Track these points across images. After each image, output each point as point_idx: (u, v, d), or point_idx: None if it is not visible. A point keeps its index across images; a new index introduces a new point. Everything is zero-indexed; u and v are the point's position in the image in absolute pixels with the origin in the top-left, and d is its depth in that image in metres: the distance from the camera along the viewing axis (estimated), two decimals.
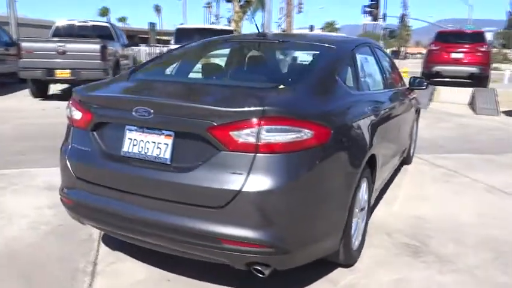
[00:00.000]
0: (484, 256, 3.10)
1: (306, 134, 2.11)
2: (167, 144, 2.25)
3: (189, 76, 3.28)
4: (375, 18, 25.06)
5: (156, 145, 2.28)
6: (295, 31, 27.52)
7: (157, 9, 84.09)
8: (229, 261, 2.22)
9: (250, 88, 2.52)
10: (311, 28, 41.05)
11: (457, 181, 4.92)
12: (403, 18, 32.46)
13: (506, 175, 5.25)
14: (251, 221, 2.09)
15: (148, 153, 2.30)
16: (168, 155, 2.24)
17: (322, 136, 2.18)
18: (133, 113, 2.26)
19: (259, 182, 2.05)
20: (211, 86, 2.80)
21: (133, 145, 2.34)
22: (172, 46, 11.03)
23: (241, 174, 2.06)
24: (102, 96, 2.59)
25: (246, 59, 3.30)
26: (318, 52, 3.03)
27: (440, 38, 13.32)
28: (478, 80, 12.55)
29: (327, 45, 3.05)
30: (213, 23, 49.67)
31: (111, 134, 2.45)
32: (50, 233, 3.25)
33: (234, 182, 2.06)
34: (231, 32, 12.21)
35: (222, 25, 17.52)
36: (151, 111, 2.22)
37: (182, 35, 11.30)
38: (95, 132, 2.49)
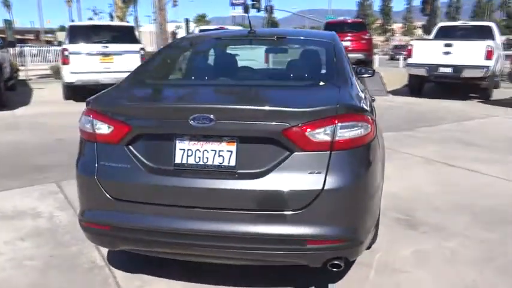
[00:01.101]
0: (464, 219, 3.55)
1: (366, 128, 2.18)
2: (231, 151, 2.13)
3: (219, 77, 3.08)
4: (259, 10, 25.95)
5: (218, 153, 2.14)
6: (170, 25, 27.07)
7: (7, 4, 74.45)
8: (309, 262, 2.21)
9: (298, 87, 2.50)
10: (187, 21, 40.62)
11: (399, 157, 5.46)
12: (271, 8, 33.94)
13: (432, 147, 6.00)
14: (333, 218, 2.11)
15: (208, 163, 2.15)
16: (233, 162, 2.13)
17: (373, 129, 2.28)
18: (191, 122, 2.08)
19: (338, 179, 2.08)
20: (255, 87, 2.67)
21: (188, 156, 2.16)
22: (70, 46, 9.99)
23: (320, 173, 2.07)
24: (145, 106, 2.31)
25: (264, 57, 3.23)
26: (322, 47, 3.10)
27: (329, 28, 14.36)
28: (365, 65, 13.85)
29: (324, 40, 3.16)
30: (90, 19, 46.03)
31: (155, 146, 2.22)
32: (44, 268, 2.81)
33: (314, 182, 2.06)
34: (130, 28, 11.50)
35: (118, 22, 16.40)
36: (213, 117, 2.07)
37: (77, 33, 10.32)
38: (131, 147, 2.23)
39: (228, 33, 3.55)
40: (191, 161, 2.16)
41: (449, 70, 10.32)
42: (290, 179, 2.07)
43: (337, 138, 2.08)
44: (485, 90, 10.69)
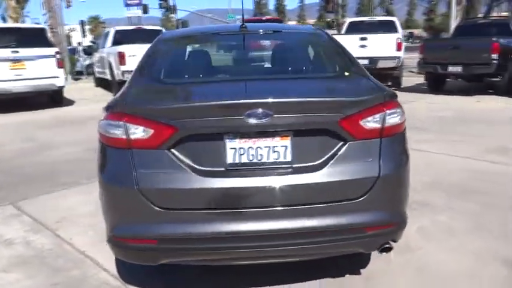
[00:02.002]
0: (440, 195, 3.87)
1: (403, 114, 2.27)
2: (285, 146, 2.07)
3: (245, 73, 2.93)
4: (167, 9, 25.18)
5: (272, 149, 2.07)
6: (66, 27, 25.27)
7: None
8: (365, 248, 2.24)
9: (329, 78, 2.50)
10: (82, 24, 38.26)
11: None
12: (173, 8, 33.39)
13: None
14: (388, 203, 2.17)
15: (263, 160, 2.07)
16: (289, 157, 2.07)
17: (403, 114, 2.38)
18: (246, 118, 1.99)
19: (390, 165, 2.14)
20: (290, 79, 2.61)
21: (240, 154, 2.06)
22: None
23: (374, 160, 2.11)
24: (194, 105, 2.10)
25: (272, 51, 3.14)
26: (319, 38, 3.12)
27: None
28: None
29: (317, 32, 3.21)
30: None
31: (202, 147, 2.07)
32: None
33: (370, 169, 2.10)
34: (42, 30, 10.45)
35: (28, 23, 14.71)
36: (270, 112, 2.00)
37: None
38: (173, 150, 2.05)
39: (222, 28, 3.41)
40: (244, 159, 2.06)
41: (365, 62, 11.04)
42: (348, 168, 2.08)
43: (386, 125, 2.14)
44: (397, 79, 11.66)
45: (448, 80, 11.35)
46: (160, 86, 2.49)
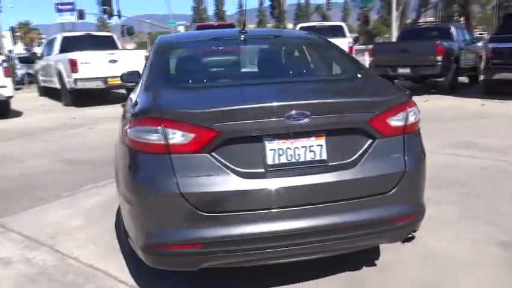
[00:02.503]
0: None
1: (418, 112, 2.43)
2: (321, 145, 2.15)
3: (267, 75, 2.95)
4: (111, 15, 24.39)
5: (308, 148, 2.14)
6: None
7: None
8: (392, 239, 2.36)
9: (347, 79, 2.60)
10: (12, 30, 36.27)
11: None
12: (119, 13, 32.45)
13: None
14: (412, 196, 2.32)
15: (301, 159, 2.13)
16: (324, 156, 2.15)
17: None
18: (286, 119, 2.05)
19: (414, 159, 2.29)
20: (313, 82, 2.69)
21: (279, 155, 2.11)
22: None
23: (399, 156, 2.25)
24: (236, 108, 2.09)
25: (282, 55, 3.18)
26: (320, 42, 3.23)
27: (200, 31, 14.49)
28: None
29: (315, 36, 3.33)
30: None
31: (241, 149, 2.09)
32: None
33: (398, 164, 2.23)
34: None
35: None
36: (308, 113, 2.07)
37: None
38: (214, 153, 2.06)
39: (225, 33, 3.40)
40: (283, 160, 2.12)
41: None
42: (378, 164, 2.20)
43: (408, 123, 2.28)
44: None
45: (395, 81, 12.00)
46: (186, 90, 2.48)
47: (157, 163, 2.08)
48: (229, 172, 2.06)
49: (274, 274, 2.60)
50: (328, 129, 2.15)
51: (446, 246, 2.96)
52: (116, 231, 3.36)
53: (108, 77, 10.73)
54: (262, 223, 2.08)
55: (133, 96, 2.83)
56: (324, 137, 2.15)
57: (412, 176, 2.29)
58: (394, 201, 2.23)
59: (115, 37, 13.08)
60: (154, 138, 2.06)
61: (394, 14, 17.90)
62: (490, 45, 9.57)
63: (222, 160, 2.07)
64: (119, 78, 11.72)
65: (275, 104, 2.09)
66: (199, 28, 14.87)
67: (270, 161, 2.11)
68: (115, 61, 10.79)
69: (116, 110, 10.29)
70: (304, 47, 3.34)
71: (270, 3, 20.49)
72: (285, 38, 3.38)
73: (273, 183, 2.08)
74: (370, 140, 2.21)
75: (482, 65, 13.54)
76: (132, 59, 11.09)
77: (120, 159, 2.42)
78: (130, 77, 4.71)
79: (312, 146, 2.14)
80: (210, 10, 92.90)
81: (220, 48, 3.28)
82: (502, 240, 3.00)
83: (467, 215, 3.45)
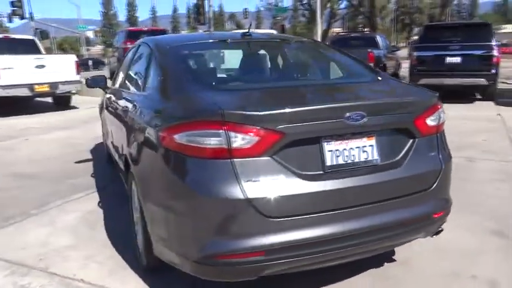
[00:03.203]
0: None
1: (444, 112, 2.59)
2: (372, 145, 2.19)
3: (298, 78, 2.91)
4: (22, 17, 22.22)
5: (361, 149, 2.17)
6: None
7: None
8: (428, 233, 2.45)
9: (374, 82, 2.66)
10: None
11: None
12: (31, 16, 29.93)
13: None
14: (445, 190, 2.45)
15: (355, 160, 2.15)
16: (376, 156, 2.20)
17: None
18: (344, 120, 2.05)
19: (446, 156, 2.43)
20: (348, 84, 2.72)
21: (337, 156, 2.11)
22: None
23: (435, 154, 2.37)
24: (300, 110, 2.02)
25: (300, 58, 3.13)
26: (326, 47, 3.28)
27: (131, 36, 13.85)
28: None
29: (317, 41, 3.39)
30: None
31: (300, 151, 2.05)
32: None
33: (436, 162, 2.36)
34: None
35: None
36: (365, 114, 2.10)
37: None
38: (275, 156, 2.00)
39: (234, 35, 3.26)
40: (340, 161, 2.12)
41: None
42: (420, 162, 2.30)
43: (440, 122, 2.42)
44: None
45: None
46: (229, 92, 2.39)
47: (218, 168, 1.96)
48: (292, 175, 2.02)
49: (304, 276, 2.59)
50: (378, 129, 2.21)
51: (450, 238, 3.17)
52: (114, 248, 3.12)
53: (34, 84, 9.86)
54: (324, 225, 2.06)
55: (143, 102, 2.67)
56: (374, 138, 2.20)
57: (446, 172, 2.42)
58: (434, 197, 2.35)
59: (37, 40, 12.06)
60: (215, 142, 1.95)
61: (319, 23, 18.79)
62: (415, 54, 10.43)
63: (284, 163, 2.02)
64: (48, 86, 10.99)
65: (338, 105, 2.10)
66: (130, 33, 14.31)
67: (328, 162, 2.10)
68: (42, 66, 9.96)
69: (48, 119, 9.60)
70: (318, 51, 3.38)
71: (196, 9, 20.39)
72: (295, 44, 3.39)
73: (332, 185, 2.08)
74: (412, 140, 2.30)
75: (400, 71, 14.74)
76: (61, 64, 10.33)
77: (155, 167, 2.26)
78: (97, 82, 4.45)
79: (365, 146, 2.18)
80: (121, 15, 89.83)
81: (241, 50, 3.21)
82: (496, 229, 3.29)
83: (458, 208, 3.70)
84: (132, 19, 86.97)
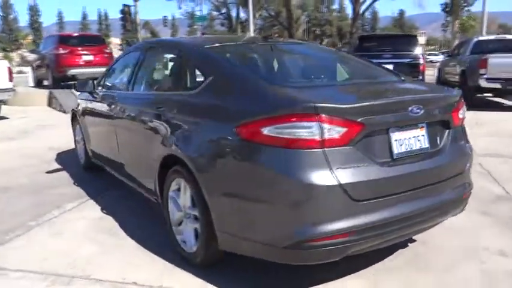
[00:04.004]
0: None
1: None
2: (424, 135, 2.49)
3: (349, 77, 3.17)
4: None
5: (417, 138, 2.46)
6: None
7: None
8: (457, 213, 2.80)
9: (405, 81, 2.96)
10: None
11: None
12: None
13: None
14: (470, 174, 2.83)
15: (413, 148, 2.43)
16: (427, 144, 2.50)
17: None
18: (408, 113, 2.34)
19: (470, 145, 2.83)
20: (391, 82, 2.96)
21: (400, 145, 2.37)
22: None
23: (464, 142, 2.77)
24: (378, 103, 2.26)
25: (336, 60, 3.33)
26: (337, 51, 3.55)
27: (64, 41, 12.98)
28: None
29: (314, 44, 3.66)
30: None
31: (374, 141, 2.28)
32: None
33: (466, 149, 2.75)
34: None
35: None
36: (422, 107, 2.40)
37: None
38: (356, 145, 2.21)
39: (251, 39, 3.37)
40: (403, 149, 2.39)
41: None
42: (456, 150, 2.66)
43: (464, 116, 2.81)
44: None
45: None
46: (302, 88, 2.57)
47: (312, 157, 2.12)
48: (371, 161, 2.25)
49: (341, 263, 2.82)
50: (428, 121, 2.52)
51: (452, 219, 3.60)
52: (148, 251, 3.08)
53: None
54: (396, 206, 2.31)
55: (195, 101, 2.72)
56: (424, 128, 2.51)
57: (472, 158, 2.81)
58: (464, 180, 2.72)
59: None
60: (309, 133, 2.11)
61: (252, 31, 19.33)
62: None
63: (363, 151, 2.24)
64: None
65: (405, 98, 2.38)
66: (62, 38, 13.46)
67: (395, 151, 2.36)
68: None
69: None
70: (335, 53, 3.67)
71: (122, 15, 19.80)
72: (313, 46, 3.66)
73: (400, 170, 2.35)
74: (448, 130, 2.66)
75: None
76: None
77: (231, 161, 2.35)
78: (85, 87, 4.36)
79: (419, 136, 2.48)
80: (23, 21, 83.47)
81: (277, 51, 3.37)
82: (484, 211, 3.80)
83: None
84: (34, 24, 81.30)
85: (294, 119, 2.14)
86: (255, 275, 2.71)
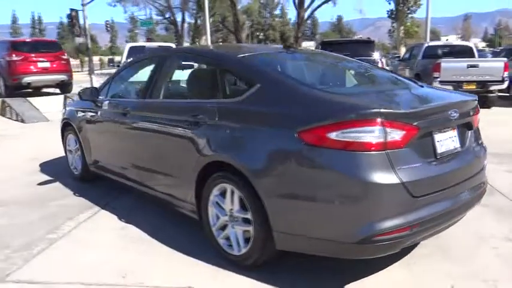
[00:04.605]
0: None
1: None
2: (456, 136, 2.78)
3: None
4: None
5: (451, 139, 2.74)
6: None
7: None
8: (477, 204, 3.12)
9: (425, 87, 3.25)
10: None
11: None
12: None
13: None
14: (485, 170, 3.17)
15: (449, 148, 2.71)
16: (458, 144, 2.79)
17: None
18: (449, 116, 2.62)
19: (485, 145, 3.17)
20: (415, 88, 3.20)
21: (441, 145, 2.64)
22: None
23: (481, 142, 3.12)
24: (429, 107, 2.56)
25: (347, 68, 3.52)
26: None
27: (16, 47, 12.24)
28: (65, 87, 12.87)
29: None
30: None
31: (423, 142, 2.52)
32: None
33: (483, 148, 3.09)
34: None
35: None
36: (458, 110, 2.69)
37: None
38: (411, 147, 2.44)
39: (277, 48, 3.54)
40: (443, 149, 2.66)
41: None
42: (477, 148, 2.99)
43: (479, 118, 3.15)
44: None
45: None
46: (355, 94, 2.80)
47: (376, 159, 2.32)
48: (423, 161, 2.50)
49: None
50: (458, 123, 2.81)
51: None
52: (189, 256, 3.14)
53: None
54: (444, 201, 2.58)
55: (241, 108, 2.83)
56: (455, 130, 2.80)
57: (486, 156, 3.15)
58: (483, 176, 3.05)
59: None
60: (374, 137, 2.31)
61: (209, 35, 19.34)
62: None
63: (416, 152, 2.48)
64: None
65: (447, 102, 2.66)
66: (14, 44, 12.71)
67: (439, 150, 2.63)
68: None
69: None
70: (351, 61, 3.91)
71: (69, 20, 19.03)
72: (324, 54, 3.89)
73: (443, 168, 2.62)
74: (469, 131, 2.97)
75: None
76: None
77: (292, 164, 2.50)
78: (90, 95, 4.32)
79: (452, 137, 2.76)
80: None
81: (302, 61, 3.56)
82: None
83: None
84: None
85: (360, 124, 2.33)
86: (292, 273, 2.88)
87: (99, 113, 4.37)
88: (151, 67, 3.89)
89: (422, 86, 3.32)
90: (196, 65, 3.98)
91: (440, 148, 2.66)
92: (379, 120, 2.33)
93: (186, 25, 45.79)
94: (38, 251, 3.30)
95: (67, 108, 5.31)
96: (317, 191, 2.44)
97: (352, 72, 3.72)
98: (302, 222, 2.53)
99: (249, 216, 2.77)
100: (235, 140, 2.80)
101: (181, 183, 3.28)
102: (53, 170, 5.68)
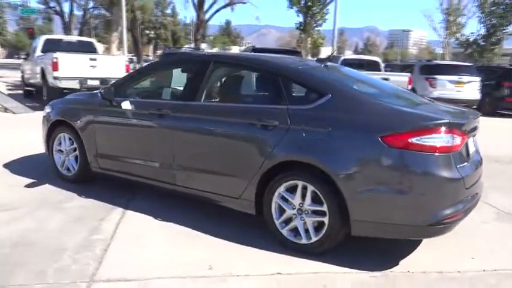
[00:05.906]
0: None
1: None
2: (473, 142, 3.58)
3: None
4: None
5: (472, 143, 3.54)
6: None
7: None
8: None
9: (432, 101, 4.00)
10: None
11: None
12: None
13: None
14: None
15: (471, 151, 3.48)
16: (474, 148, 3.60)
17: None
18: (476, 125, 3.40)
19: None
20: (439, 103, 3.92)
21: (470, 149, 3.41)
22: None
23: (478, 149, 3.96)
24: (470, 119, 3.27)
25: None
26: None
27: None
28: None
29: None
30: None
31: (463, 146, 3.24)
32: None
33: (479, 153, 3.93)
34: None
35: None
36: (478, 120, 3.49)
37: None
38: (460, 151, 3.14)
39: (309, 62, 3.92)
40: (470, 152, 3.43)
41: (97, 82, 11.14)
42: (478, 153, 3.84)
43: None
44: None
45: None
46: (395, 106, 3.34)
47: (444, 159, 2.99)
48: (465, 161, 3.24)
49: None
50: (472, 132, 3.61)
51: None
52: (255, 248, 3.46)
53: None
54: (474, 191, 3.35)
55: (318, 115, 3.27)
56: (472, 137, 3.59)
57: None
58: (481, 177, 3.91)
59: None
60: (443, 142, 2.98)
61: (125, 33, 18.56)
62: None
63: (462, 154, 3.21)
64: None
65: (474, 114, 3.45)
66: None
67: (470, 152, 3.40)
68: None
69: None
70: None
71: None
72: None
73: (472, 167, 3.37)
74: (474, 138, 3.81)
75: None
76: None
77: (377, 163, 3.02)
78: (112, 94, 4.34)
79: (469, 142, 3.54)
80: None
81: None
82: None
83: None
84: None
85: (436, 131, 2.99)
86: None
87: (117, 112, 4.30)
88: (191, 70, 4.09)
89: (433, 101, 4.13)
90: (256, 73, 4.23)
91: (470, 150, 3.43)
92: (448, 129, 3.02)
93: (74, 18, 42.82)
94: (100, 250, 3.31)
95: (58, 107, 5.07)
96: (397, 185, 3.01)
97: (379, 85, 4.36)
98: (380, 211, 3.07)
99: (323, 208, 3.22)
100: (314, 142, 3.22)
101: (238, 182, 3.56)
102: (34, 170, 5.35)
